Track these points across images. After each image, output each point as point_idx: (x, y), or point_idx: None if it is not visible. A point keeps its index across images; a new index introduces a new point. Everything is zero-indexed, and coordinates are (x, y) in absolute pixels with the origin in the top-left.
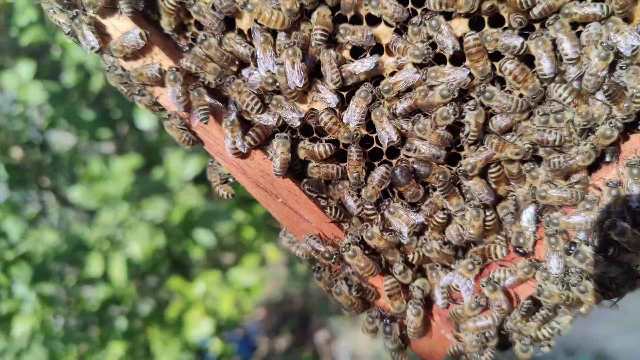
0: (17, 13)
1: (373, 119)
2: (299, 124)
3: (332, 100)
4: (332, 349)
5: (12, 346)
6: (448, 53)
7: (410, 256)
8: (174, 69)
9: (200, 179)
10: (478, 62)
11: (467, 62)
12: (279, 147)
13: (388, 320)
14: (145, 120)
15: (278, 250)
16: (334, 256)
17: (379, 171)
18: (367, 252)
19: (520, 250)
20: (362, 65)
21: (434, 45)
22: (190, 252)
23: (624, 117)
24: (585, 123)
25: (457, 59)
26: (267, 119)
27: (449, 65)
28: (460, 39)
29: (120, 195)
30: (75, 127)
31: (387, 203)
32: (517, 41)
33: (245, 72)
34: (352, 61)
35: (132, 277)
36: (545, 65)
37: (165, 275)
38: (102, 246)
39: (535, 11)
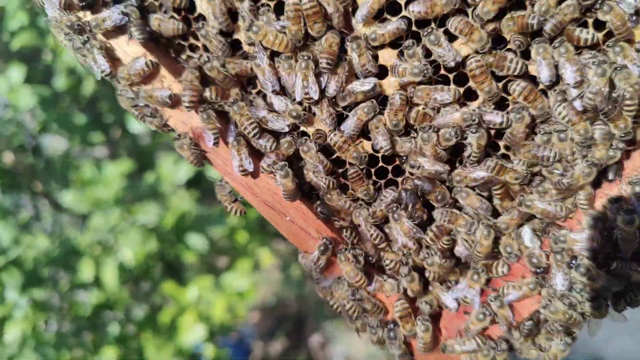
0: (8, 17)
1: (370, 126)
2: (287, 130)
3: (330, 123)
4: (326, 352)
5: (4, 352)
6: (450, 66)
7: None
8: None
9: (193, 183)
10: (483, 84)
11: (472, 84)
12: (281, 179)
13: (392, 325)
14: (138, 125)
15: (271, 255)
16: (326, 243)
17: (386, 199)
18: (358, 262)
19: (539, 270)
20: (362, 85)
21: (432, 64)
22: (183, 256)
23: (622, 135)
24: (583, 140)
25: (462, 83)
26: (264, 144)
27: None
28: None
29: (112, 200)
30: (67, 131)
31: (394, 209)
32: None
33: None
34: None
35: (125, 282)
36: (543, 73)
37: (158, 280)
38: (93, 251)
39: (547, 28)
